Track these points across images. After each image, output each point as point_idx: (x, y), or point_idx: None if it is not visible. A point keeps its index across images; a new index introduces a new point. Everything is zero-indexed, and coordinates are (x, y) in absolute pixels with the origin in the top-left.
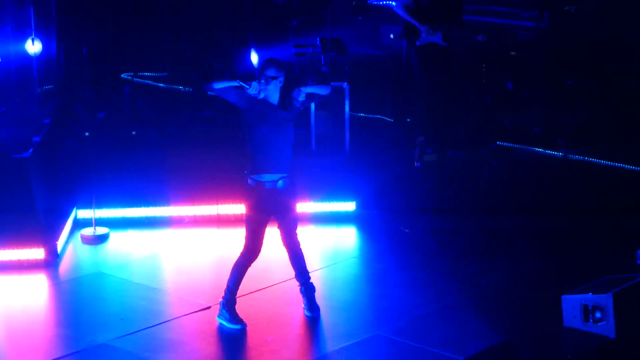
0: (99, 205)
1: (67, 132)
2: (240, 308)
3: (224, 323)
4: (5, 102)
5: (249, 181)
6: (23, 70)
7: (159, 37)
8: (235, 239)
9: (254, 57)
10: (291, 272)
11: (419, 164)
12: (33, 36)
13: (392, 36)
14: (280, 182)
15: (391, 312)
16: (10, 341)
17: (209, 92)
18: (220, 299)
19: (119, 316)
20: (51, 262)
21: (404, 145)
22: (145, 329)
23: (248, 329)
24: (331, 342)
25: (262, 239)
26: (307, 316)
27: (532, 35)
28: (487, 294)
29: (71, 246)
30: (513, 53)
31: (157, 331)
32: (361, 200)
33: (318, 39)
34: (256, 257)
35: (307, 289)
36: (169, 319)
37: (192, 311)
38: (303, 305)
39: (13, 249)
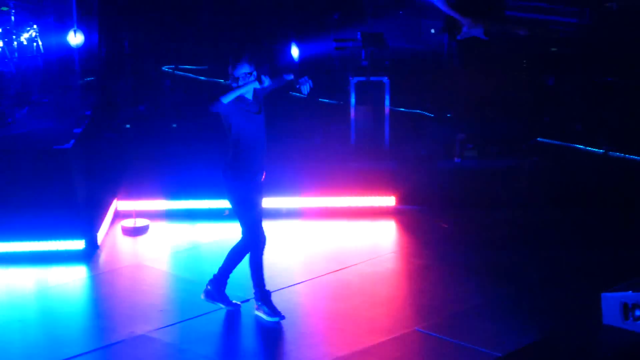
0: (139, 197)
1: (108, 124)
2: (278, 301)
3: (263, 317)
4: (47, 93)
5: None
6: (65, 62)
7: (201, 30)
8: (273, 232)
9: (295, 51)
10: (329, 267)
11: (459, 159)
12: (75, 28)
13: (432, 31)
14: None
15: (429, 307)
16: (51, 332)
17: (215, 110)
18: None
19: (158, 308)
20: (91, 254)
21: (444, 140)
22: (184, 320)
23: (286, 322)
24: (369, 336)
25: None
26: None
27: (573, 31)
28: (527, 290)
29: (111, 238)
30: (554, 49)
31: (196, 323)
32: (400, 196)
33: (359, 33)
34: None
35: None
36: (208, 311)
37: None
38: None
39: (54, 240)
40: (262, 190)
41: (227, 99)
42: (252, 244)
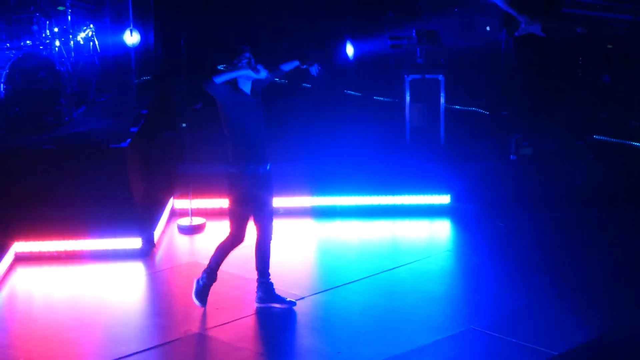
0: (196, 195)
1: (164, 122)
2: (333, 300)
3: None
4: (105, 92)
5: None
6: (121, 61)
7: (256, 28)
8: (328, 231)
9: (350, 50)
10: (384, 265)
11: (514, 157)
12: (131, 27)
13: (488, 28)
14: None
15: (485, 305)
16: (108, 330)
17: (208, 90)
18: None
19: (214, 306)
20: (148, 252)
21: (500, 138)
22: (240, 318)
23: (341, 320)
24: (425, 335)
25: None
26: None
27: (628, 28)
28: (583, 287)
29: (168, 236)
30: (610, 46)
31: (252, 321)
32: (456, 194)
33: (414, 30)
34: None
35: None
36: (264, 309)
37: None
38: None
39: (111, 238)
40: (267, 183)
41: (219, 79)
42: (235, 238)
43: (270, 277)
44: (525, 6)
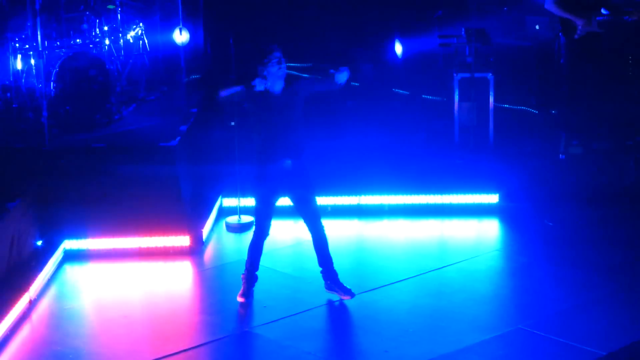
0: (244, 193)
1: (213, 121)
2: (380, 298)
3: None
4: (154, 91)
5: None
6: (171, 59)
7: (305, 27)
8: (375, 230)
9: (399, 48)
10: (432, 264)
11: (563, 156)
12: (181, 26)
13: (537, 27)
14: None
15: (534, 305)
16: (156, 327)
17: (220, 102)
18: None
19: (263, 304)
20: (196, 250)
21: (549, 136)
22: (288, 317)
23: (389, 319)
24: (472, 334)
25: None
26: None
27: None
28: (633, 287)
29: (216, 234)
30: None
31: (300, 319)
32: (505, 192)
33: (463, 29)
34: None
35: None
36: (311, 307)
37: (334, 300)
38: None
39: (160, 235)
40: (286, 179)
41: (224, 93)
42: (257, 233)
43: (332, 266)
44: (580, 5)
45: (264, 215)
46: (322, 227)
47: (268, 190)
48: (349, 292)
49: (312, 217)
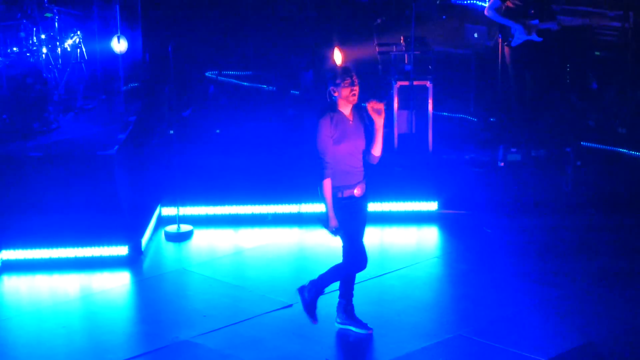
0: (183, 202)
1: (151, 130)
2: (321, 307)
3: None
4: (92, 99)
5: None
6: (109, 68)
7: (244, 35)
8: (316, 238)
9: (338, 56)
10: (372, 271)
11: (502, 163)
12: (119, 34)
13: (475, 35)
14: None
15: (473, 312)
16: (95, 337)
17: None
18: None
19: (202, 313)
20: (135, 259)
21: (487, 144)
22: (227, 326)
23: (329, 327)
24: (413, 341)
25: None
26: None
27: (617, 35)
28: (570, 294)
29: (155, 243)
30: (598, 53)
31: (240, 328)
32: (444, 200)
33: (402, 37)
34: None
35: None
36: (252, 316)
37: (274, 309)
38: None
39: (98, 245)
40: (357, 206)
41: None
42: (347, 261)
43: (352, 299)
44: (518, 15)
45: (357, 245)
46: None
47: (348, 217)
48: (367, 327)
49: (354, 245)
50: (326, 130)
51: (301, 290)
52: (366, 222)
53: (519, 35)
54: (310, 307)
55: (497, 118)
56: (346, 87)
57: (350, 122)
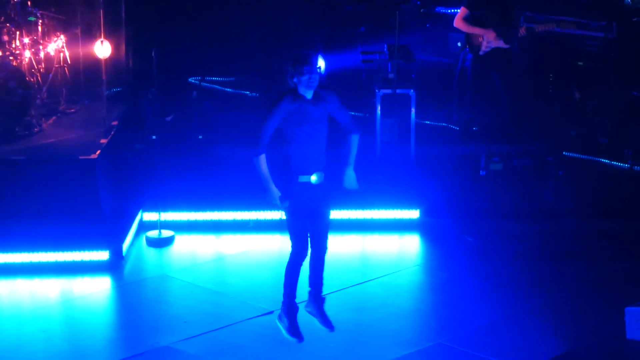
0: (165, 208)
1: (134, 135)
2: (302, 314)
3: (282, 330)
4: (75, 103)
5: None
6: (92, 72)
7: (228, 42)
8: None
9: (321, 63)
10: (354, 279)
11: (484, 172)
12: (102, 38)
13: (459, 44)
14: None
15: (454, 320)
16: (75, 342)
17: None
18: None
19: (182, 319)
20: (116, 264)
21: (470, 153)
22: (208, 332)
23: (310, 334)
24: (394, 349)
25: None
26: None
27: (600, 45)
28: (551, 302)
29: (136, 248)
30: (580, 63)
31: (220, 335)
32: (426, 208)
33: (385, 45)
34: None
35: (318, 300)
36: (232, 322)
37: (255, 315)
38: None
39: (78, 250)
40: (311, 193)
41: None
42: (292, 251)
43: (321, 290)
44: (484, 23)
45: (300, 233)
46: (326, 247)
47: (295, 205)
48: (329, 325)
49: (321, 233)
50: (278, 112)
51: (279, 318)
52: (324, 214)
53: (487, 44)
54: (292, 330)
55: (480, 127)
56: (304, 74)
57: (311, 106)
